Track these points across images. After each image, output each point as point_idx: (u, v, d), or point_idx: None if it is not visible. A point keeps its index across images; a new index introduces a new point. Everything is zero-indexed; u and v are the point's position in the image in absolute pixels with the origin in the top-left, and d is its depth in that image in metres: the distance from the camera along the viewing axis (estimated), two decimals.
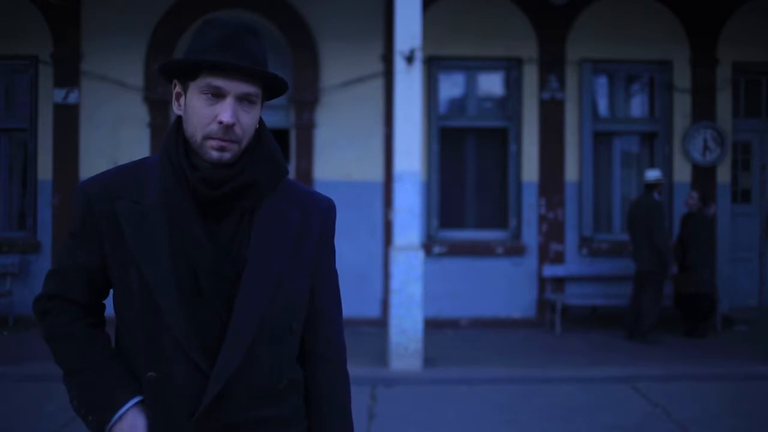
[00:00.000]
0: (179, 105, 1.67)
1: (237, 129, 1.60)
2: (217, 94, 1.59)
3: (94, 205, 1.66)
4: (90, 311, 1.74)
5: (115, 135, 9.46)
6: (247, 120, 1.62)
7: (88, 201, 1.67)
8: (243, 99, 1.61)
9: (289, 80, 9.60)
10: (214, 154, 1.61)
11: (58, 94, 9.44)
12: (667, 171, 9.80)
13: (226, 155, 1.61)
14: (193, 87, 1.62)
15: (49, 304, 1.72)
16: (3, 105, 9.76)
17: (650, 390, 6.77)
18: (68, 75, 9.43)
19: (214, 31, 1.62)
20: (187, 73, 1.63)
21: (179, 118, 1.68)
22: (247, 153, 1.65)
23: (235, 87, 1.59)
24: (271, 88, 1.70)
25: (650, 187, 8.85)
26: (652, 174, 8.91)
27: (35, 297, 1.76)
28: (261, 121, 1.70)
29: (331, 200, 1.85)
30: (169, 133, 1.69)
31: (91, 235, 1.68)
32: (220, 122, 1.58)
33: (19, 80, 9.69)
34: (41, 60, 9.46)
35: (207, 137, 1.60)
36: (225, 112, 1.58)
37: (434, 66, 9.75)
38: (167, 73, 1.67)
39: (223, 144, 1.60)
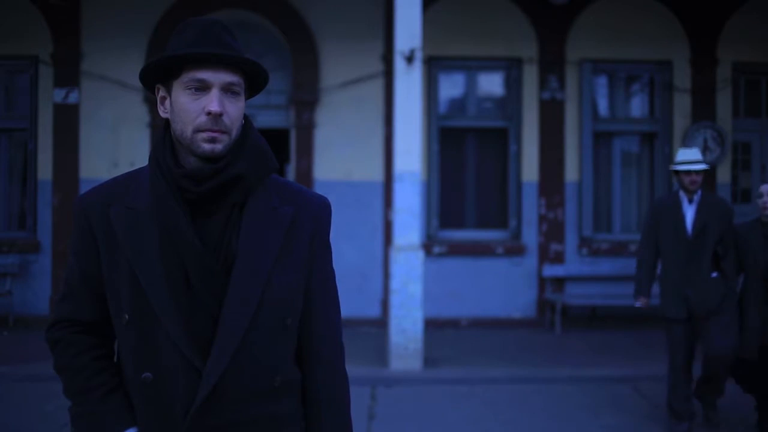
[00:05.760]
0: (165, 108, 1.71)
1: (225, 119, 1.63)
2: (202, 88, 1.62)
3: (90, 216, 1.70)
4: (99, 332, 1.76)
5: (115, 135, 9.47)
6: (234, 111, 1.65)
7: (84, 213, 1.71)
8: (227, 90, 1.64)
9: (289, 80, 9.62)
10: (207, 147, 1.62)
11: (58, 94, 9.44)
12: (668, 171, 9.79)
13: (218, 146, 1.63)
14: (178, 85, 1.65)
15: (58, 333, 1.76)
16: (3, 105, 9.75)
17: (650, 390, 6.76)
18: (68, 75, 9.43)
19: (190, 29, 1.66)
20: (169, 72, 1.66)
21: (167, 122, 1.71)
22: (233, 148, 1.67)
23: (218, 78, 1.62)
24: (253, 81, 1.73)
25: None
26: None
27: (48, 324, 1.79)
28: (246, 117, 1.73)
29: (326, 198, 1.85)
30: (158, 138, 1.72)
31: (89, 246, 1.70)
32: (209, 113, 1.61)
33: (19, 80, 9.69)
34: (41, 60, 9.46)
35: (197, 130, 1.62)
36: (212, 102, 1.61)
37: (434, 66, 9.74)
38: (151, 76, 1.70)
39: (214, 135, 1.62)
